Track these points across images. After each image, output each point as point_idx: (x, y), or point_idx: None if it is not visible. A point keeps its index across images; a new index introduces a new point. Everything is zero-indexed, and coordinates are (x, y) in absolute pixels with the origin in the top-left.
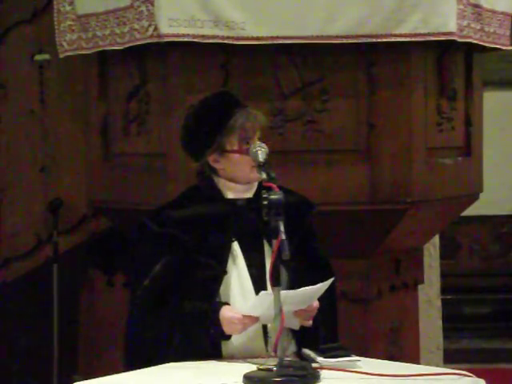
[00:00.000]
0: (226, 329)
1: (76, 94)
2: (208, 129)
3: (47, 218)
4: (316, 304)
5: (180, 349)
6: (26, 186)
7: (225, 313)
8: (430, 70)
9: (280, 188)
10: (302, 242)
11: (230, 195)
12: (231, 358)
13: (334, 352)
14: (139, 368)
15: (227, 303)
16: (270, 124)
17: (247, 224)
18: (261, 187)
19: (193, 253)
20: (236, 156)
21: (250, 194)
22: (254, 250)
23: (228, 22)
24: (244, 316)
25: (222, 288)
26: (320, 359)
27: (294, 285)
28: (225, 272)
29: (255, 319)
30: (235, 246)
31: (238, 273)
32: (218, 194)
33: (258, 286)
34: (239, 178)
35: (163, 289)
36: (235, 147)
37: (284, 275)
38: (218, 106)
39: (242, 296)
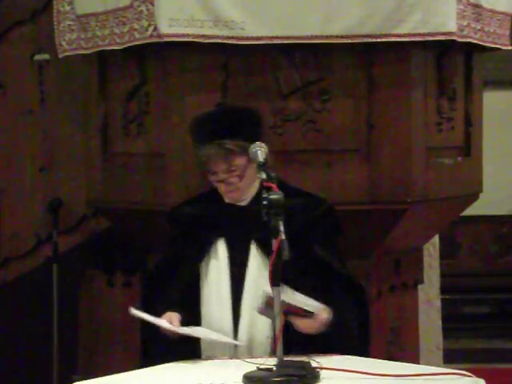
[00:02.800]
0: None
1: (75, 94)
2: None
3: (47, 217)
4: (322, 319)
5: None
6: (25, 185)
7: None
8: (429, 70)
9: (288, 187)
10: (306, 245)
11: (226, 200)
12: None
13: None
14: (155, 359)
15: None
16: (270, 124)
17: (238, 224)
18: (259, 193)
19: (182, 248)
20: None
21: (244, 203)
22: (239, 249)
23: (228, 22)
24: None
25: (202, 282)
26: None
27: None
28: (196, 266)
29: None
30: (220, 243)
31: (218, 270)
32: (219, 197)
33: (236, 283)
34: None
35: (159, 279)
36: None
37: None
38: (203, 127)
39: (216, 292)
